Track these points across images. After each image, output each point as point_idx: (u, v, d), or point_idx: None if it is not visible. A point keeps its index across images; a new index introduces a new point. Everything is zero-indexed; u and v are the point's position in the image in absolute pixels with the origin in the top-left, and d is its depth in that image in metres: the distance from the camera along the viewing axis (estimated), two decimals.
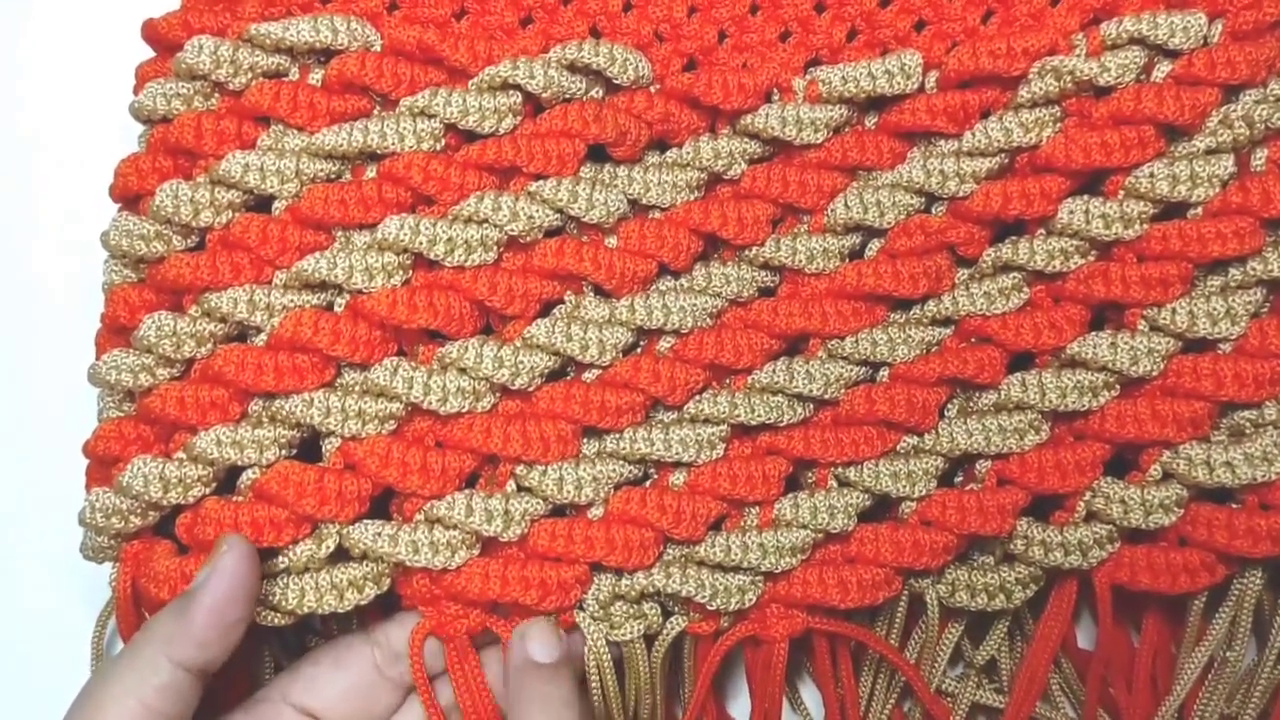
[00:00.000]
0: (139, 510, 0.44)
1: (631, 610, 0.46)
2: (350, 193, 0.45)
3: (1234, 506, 0.46)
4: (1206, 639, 0.47)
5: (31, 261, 0.55)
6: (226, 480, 0.45)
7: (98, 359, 0.46)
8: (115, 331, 0.47)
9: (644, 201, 0.47)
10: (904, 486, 0.46)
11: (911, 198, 0.47)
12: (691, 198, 0.48)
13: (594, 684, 0.45)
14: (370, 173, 0.46)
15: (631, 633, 0.45)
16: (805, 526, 0.46)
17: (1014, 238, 0.48)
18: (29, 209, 0.56)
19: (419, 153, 0.46)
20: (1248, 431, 0.46)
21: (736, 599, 0.45)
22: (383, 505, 0.46)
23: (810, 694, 0.51)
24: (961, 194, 0.47)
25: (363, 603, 0.44)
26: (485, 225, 0.45)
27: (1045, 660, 0.48)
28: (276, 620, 0.44)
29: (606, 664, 0.45)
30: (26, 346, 0.55)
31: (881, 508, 0.47)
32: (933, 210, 0.48)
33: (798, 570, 0.45)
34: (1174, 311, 0.46)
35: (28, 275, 0.55)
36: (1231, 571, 0.46)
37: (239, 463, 0.44)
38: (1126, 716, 0.49)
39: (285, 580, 0.44)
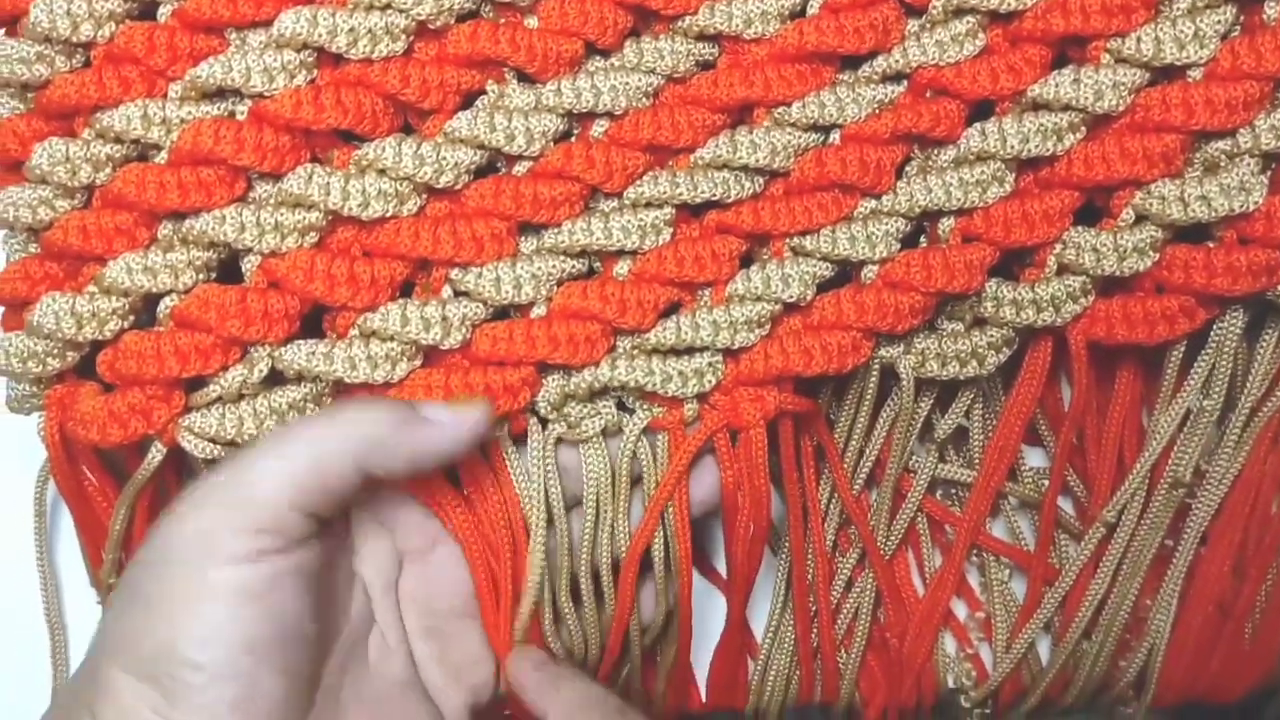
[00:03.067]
0: (56, 351, 0.42)
1: (586, 409, 0.44)
2: None
3: (1210, 245, 0.43)
4: (1183, 392, 0.46)
5: None
6: (148, 312, 0.43)
7: None
8: (9, 168, 0.44)
9: None
10: (863, 249, 0.43)
11: None
12: None
13: (531, 494, 0.43)
14: None
15: (589, 430, 0.43)
16: (760, 299, 0.43)
17: None
18: None
19: None
20: (1222, 163, 0.43)
21: (695, 383, 0.43)
22: (318, 323, 0.43)
23: None
24: None
25: None
26: (389, 11, 0.42)
27: (1017, 428, 0.46)
28: (217, 452, 0.42)
29: (551, 469, 0.43)
30: None
31: (843, 278, 0.45)
32: None
33: (758, 345, 0.43)
34: (1139, 40, 0.42)
35: None
36: (1211, 315, 0.44)
37: (154, 289, 0.41)
38: (1094, 481, 0.48)
39: (221, 410, 0.42)
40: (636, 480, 0.45)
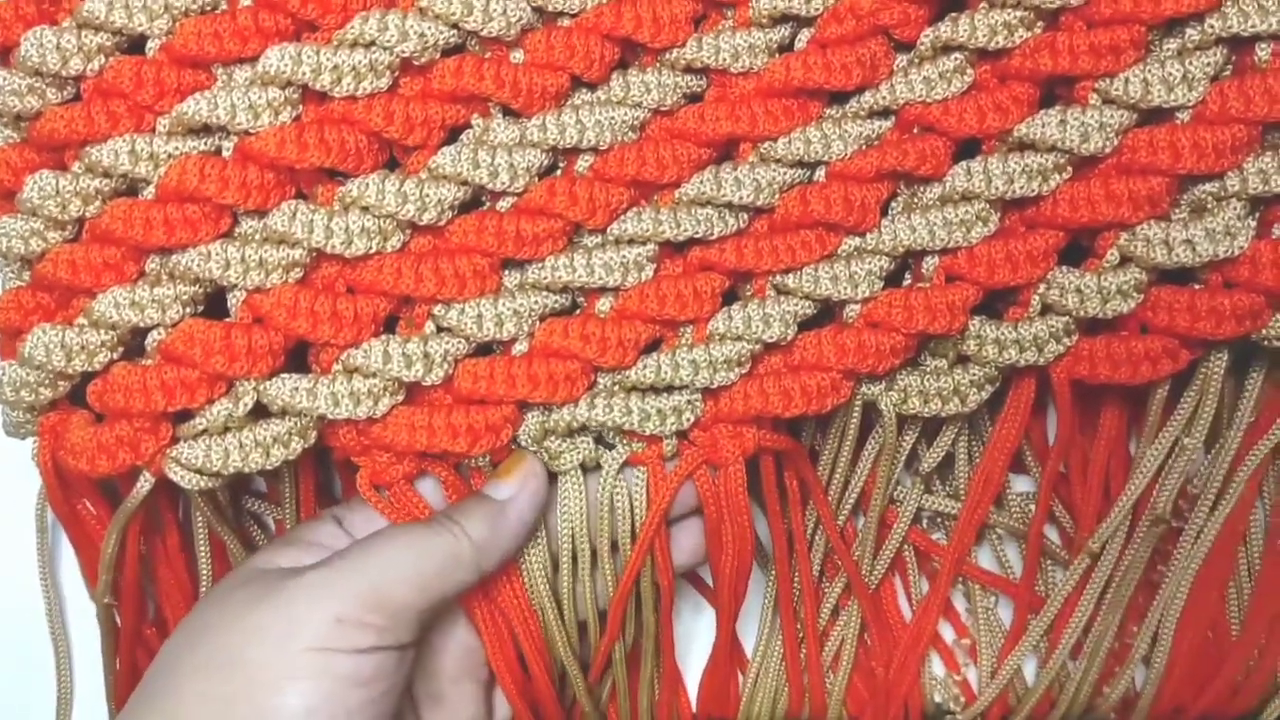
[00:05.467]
0: (47, 381, 0.43)
1: (565, 444, 0.44)
2: (225, 24, 0.42)
3: (1196, 288, 0.43)
4: (1168, 429, 0.45)
5: None
6: (137, 343, 0.43)
7: None
8: (3, 197, 0.44)
9: (550, 9, 0.43)
10: (845, 288, 0.43)
11: None
12: (603, 0, 0.44)
13: None
14: (246, 0, 0.43)
15: (567, 464, 0.44)
16: (740, 338, 0.43)
17: (954, 14, 0.44)
18: None
19: None
20: (1209, 206, 0.43)
21: (673, 421, 0.43)
22: (304, 355, 0.44)
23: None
24: None
25: (290, 458, 0.43)
26: (374, 49, 0.42)
27: (1001, 463, 0.46)
28: (203, 483, 0.42)
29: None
30: None
31: (826, 316, 0.45)
32: None
33: (738, 384, 0.43)
34: (1127, 81, 0.42)
35: None
36: (1195, 356, 0.44)
37: (141, 324, 0.42)
38: (1080, 510, 0.48)
39: (207, 442, 0.42)
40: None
